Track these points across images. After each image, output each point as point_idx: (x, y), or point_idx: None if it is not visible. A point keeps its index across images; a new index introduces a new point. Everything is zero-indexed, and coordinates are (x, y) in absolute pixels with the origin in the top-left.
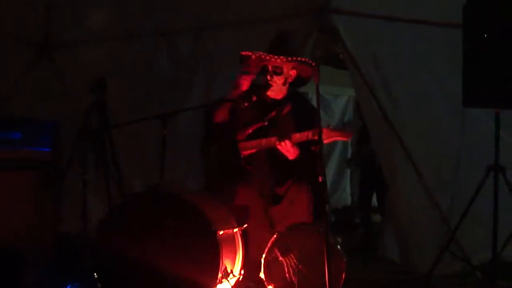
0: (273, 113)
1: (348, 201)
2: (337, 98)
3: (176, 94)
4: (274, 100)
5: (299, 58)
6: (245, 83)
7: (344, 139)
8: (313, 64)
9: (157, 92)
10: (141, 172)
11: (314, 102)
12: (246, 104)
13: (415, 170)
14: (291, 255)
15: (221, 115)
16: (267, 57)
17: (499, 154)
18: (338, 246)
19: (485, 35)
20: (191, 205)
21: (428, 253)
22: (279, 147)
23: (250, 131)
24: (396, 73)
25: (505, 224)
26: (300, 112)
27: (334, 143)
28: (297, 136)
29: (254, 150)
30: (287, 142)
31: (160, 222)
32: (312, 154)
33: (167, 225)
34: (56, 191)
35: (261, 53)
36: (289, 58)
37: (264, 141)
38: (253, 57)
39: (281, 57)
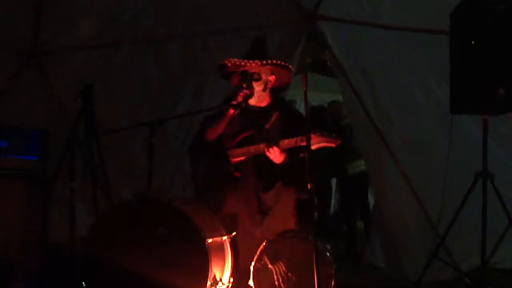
0: (261, 121)
1: (334, 208)
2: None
3: (164, 101)
4: (259, 108)
5: (274, 61)
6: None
7: (331, 145)
8: (290, 66)
9: (145, 100)
10: (129, 179)
11: (302, 109)
12: (233, 112)
13: (404, 177)
14: (280, 262)
15: (215, 133)
16: (242, 63)
17: (487, 160)
18: (327, 253)
19: (473, 42)
20: (179, 213)
21: (417, 260)
22: (267, 153)
23: (239, 139)
24: (384, 80)
25: (494, 231)
26: (288, 119)
27: None
28: (285, 142)
29: (243, 158)
30: (275, 148)
31: (149, 230)
32: (300, 161)
33: (156, 233)
34: (44, 200)
35: (235, 59)
36: (264, 62)
37: (253, 148)
38: (229, 64)
39: (256, 61)
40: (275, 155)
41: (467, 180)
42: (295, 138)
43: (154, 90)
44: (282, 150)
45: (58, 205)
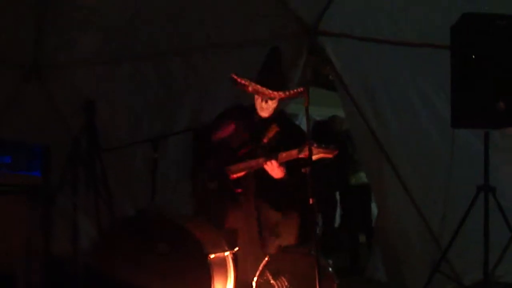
0: (261, 134)
1: (337, 222)
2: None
3: (166, 116)
4: (261, 120)
5: (292, 92)
6: (228, 130)
7: (329, 155)
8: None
9: (147, 115)
10: (132, 195)
11: (304, 124)
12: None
13: (405, 191)
14: (282, 278)
15: (225, 132)
16: (263, 91)
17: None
18: (329, 269)
19: (473, 57)
20: (182, 229)
21: (419, 273)
22: (265, 167)
23: (240, 154)
24: (385, 94)
25: (496, 244)
26: (288, 132)
27: None
28: (283, 155)
29: (244, 173)
30: (273, 162)
31: (151, 246)
32: (302, 176)
33: (158, 248)
34: (47, 215)
35: (258, 87)
36: (282, 94)
37: (253, 162)
38: (249, 89)
39: (275, 93)
40: (273, 168)
41: (469, 194)
42: (294, 151)
43: (155, 104)
44: (281, 164)
45: (61, 219)
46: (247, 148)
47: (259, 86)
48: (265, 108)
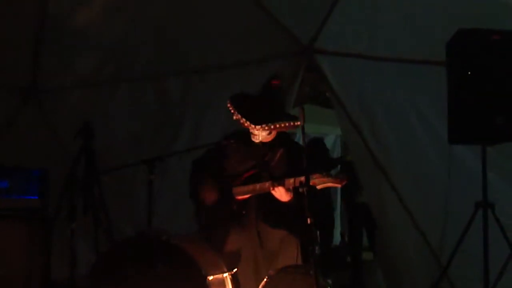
0: (266, 158)
1: (338, 240)
2: (325, 137)
3: (163, 137)
4: (264, 143)
5: (282, 125)
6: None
7: (337, 185)
8: (297, 124)
9: (144, 136)
10: (130, 217)
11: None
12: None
13: (404, 208)
14: None
15: (211, 197)
16: (243, 123)
17: (487, 190)
18: None
19: (469, 72)
20: (180, 250)
21: None
22: (273, 192)
23: (244, 177)
24: (381, 110)
25: (496, 260)
26: (293, 156)
27: None
28: (290, 182)
29: (248, 196)
30: (281, 188)
31: (150, 268)
32: (300, 195)
33: (157, 270)
34: (46, 239)
35: (239, 117)
36: (266, 127)
37: (258, 186)
38: (233, 117)
39: (257, 126)
40: (281, 194)
41: (468, 210)
42: (300, 178)
43: (153, 126)
44: (288, 189)
45: (59, 244)
46: (251, 172)
47: (240, 116)
48: (255, 135)
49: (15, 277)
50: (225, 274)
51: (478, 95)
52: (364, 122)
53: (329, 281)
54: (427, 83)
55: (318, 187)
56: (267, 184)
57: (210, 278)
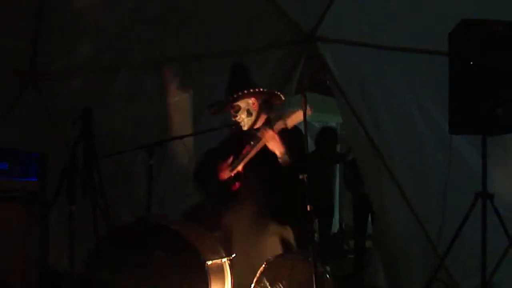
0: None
1: (336, 227)
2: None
3: (163, 124)
4: (255, 129)
5: (235, 95)
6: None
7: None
8: (260, 90)
9: (144, 122)
10: (129, 202)
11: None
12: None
13: (403, 197)
14: (280, 284)
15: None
16: (213, 111)
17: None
18: (327, 275)
19: (471, 63)
20: (178, 236)
21: (417, 280)
22: (263, 138)
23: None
24: (382, 100)
25: (494, 251)
26: (284, 135)
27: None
28: (280, 123)
29: (242, 166)
30: (270, 131)
31: (148, 253)
32: (299, 183)
33: (155, 256)
34: (44, 222)
35: (213, 110)
36: (235, 96)
37: (251, 144)
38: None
39: (238, 93)
40: (273, 140)
41: (467, 201)
42: (290, 115)
43: (153, 112)
44: (278, 132)
45: (57, 227)
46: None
47: (213, 109)
48: (240, 121)
49: (13, 260)
50: (224, 260)
51: (479, 86)
52: (364, 110)
53: (328, 268)
54: (429, 73)
55: (291, 123)
56: (258, 134)
57: (209, 263)
